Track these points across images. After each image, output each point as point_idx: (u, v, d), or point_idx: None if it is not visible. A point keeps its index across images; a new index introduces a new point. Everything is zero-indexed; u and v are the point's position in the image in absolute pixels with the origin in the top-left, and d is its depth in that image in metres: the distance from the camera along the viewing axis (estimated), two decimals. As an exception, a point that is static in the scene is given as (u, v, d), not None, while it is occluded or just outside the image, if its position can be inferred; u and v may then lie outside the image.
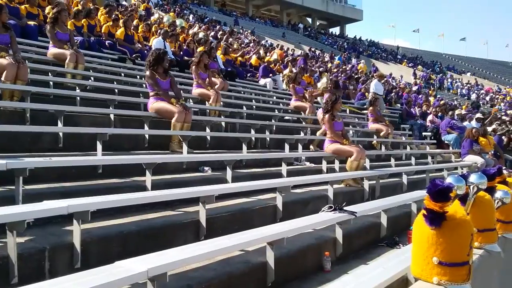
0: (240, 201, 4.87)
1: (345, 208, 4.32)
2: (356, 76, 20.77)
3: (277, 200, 4.86)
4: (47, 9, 10.14)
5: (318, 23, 56.38)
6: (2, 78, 5.63)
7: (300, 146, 7.59)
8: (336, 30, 56.36)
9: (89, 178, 4.52)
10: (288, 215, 4.77)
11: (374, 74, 19.14)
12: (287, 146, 7.27)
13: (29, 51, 7.87)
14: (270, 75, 13.89)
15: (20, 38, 7.90)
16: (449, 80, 41.20)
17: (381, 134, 10.84)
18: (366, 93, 14.91)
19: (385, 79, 22.90)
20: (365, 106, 14.07)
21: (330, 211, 4.28)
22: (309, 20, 56.15)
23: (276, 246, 3.41)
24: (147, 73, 6.27)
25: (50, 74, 6.99)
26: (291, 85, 10.72)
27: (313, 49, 31.55)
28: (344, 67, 24.67)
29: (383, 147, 10.32)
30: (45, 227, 3.25)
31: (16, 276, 2.65)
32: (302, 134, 8.72)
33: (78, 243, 3.02)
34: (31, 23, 9.04)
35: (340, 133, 7.08)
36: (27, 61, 6.33)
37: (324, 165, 6.94)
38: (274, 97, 12.55)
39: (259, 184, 4.80)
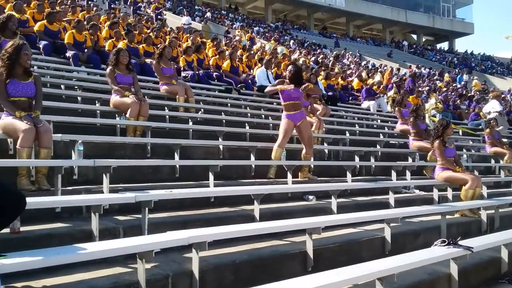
0: (346, 231, 4.85)
1: (460, 242, 4.09)
2: (469, 94, 19.47)
3: (385, 231, 4.75)
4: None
5: (424, 39, 53.98)
6: (127, 115, 6.30)
7: (408, 173, 7.31)
8: (444, 46, 53.46)
9: (203, 207, 4.84)
10: (397, 247, 4.65)
11: (490, 93, 17.70)
12: (394, 173, 7.05)
13: (146, 87, 8.68)
14: (374, 97, 13.62)
15: (140, 76, 8.77)
16: None
17: (505, 158, 9.99)
18: (481, 113, 13.90)
19: (503, 95, 21.16)
20: (480, 127, 13.14)
21: (444, 245, 4.08)
22: (414, 36, 54.06)
23: (386, 282, 3.34)
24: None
25: (166, 109, 7.65)
26: (396, 108, 10.41)
27: (419, 66, 30.27)
28: (454, 84, 23.29)
29: (502, 173, 9.50)
30: (168, 254, 3.53)
31: (144, 300, 2.94)
32: (410, 160, 8.37)
33: (196, 271, 3.27)
34: (148, 61, 10.00)
35: (452, 159, 6.71)
36: (146, 97, 7.02)
37: (435, 194, 6.59)
38: (378, 121, 12.27)
39: (366, 216, 4.74)
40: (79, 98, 7.22)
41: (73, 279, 2.96)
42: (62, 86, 7.65)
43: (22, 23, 8.62)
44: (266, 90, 6.96)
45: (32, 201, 3.12)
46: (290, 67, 6.69)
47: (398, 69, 25.85)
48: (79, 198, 3.90)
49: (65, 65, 8.66)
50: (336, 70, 16.22)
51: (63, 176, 4.18)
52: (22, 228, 3.31)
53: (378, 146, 8.86)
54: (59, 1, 13.34)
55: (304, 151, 6.64)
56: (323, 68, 15.11)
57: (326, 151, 8.00)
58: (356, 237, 4.75)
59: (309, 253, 3.99)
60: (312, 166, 6.87)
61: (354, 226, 4.99)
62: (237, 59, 11.88)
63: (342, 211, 5.29)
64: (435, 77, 25.58)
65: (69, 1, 14.81)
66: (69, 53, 8.76)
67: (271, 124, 8.60)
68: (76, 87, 7.75)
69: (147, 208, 3.74)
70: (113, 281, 3.01)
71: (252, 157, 6.34)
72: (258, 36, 27.17)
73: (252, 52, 15.21)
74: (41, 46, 8.74)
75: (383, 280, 3.30)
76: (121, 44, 9.35)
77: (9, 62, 4.31)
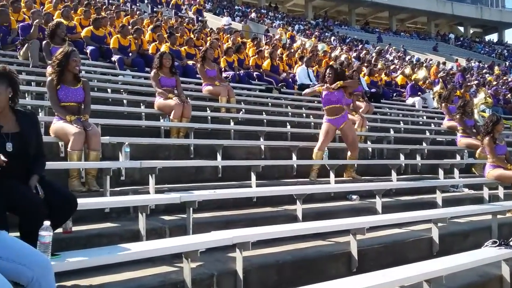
0: (391, 231, 4.75)
1: (512, 243, 3.92)
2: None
3: (432, 231, 4.62)
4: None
5: (471, 31, 51.86)
6: (171, 117, 6.44)
7: (456, 171, 7.06)
8: (493, 37, 51.17)
9: (245, 207, 4.88)
10: (445, 248, 4.52)
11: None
12: (441, 171, 6.83)
13: (188, 88, 8.82)
14: (419, 93, 13.25)
15: (182, 77, 8.91)
16: None
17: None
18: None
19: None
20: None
21: (495, 246, 3.94)
22: (461, 29, 52.05)
23: (434, 284, 3.26)
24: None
25: (208, 110, 7.74)
26: (443, 104, 10.06)
27: (470, 59, 29.09)
28: (505, 78, 22.27)
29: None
30: (212, 253, 3.56)
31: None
32: (458, 157, 8.08)
33: (240, 271, 3.31)
34: (190, 62, 10.18)
35: (503, 157, 6.44)
36: (188, 99, 7.15)
37: (485, 192, 6.32)
38: (424, 117, 11.91)
39: (413, 217, 4.62)
40: (124, 101, 7.44)
41: (123, 277, 3.07)
42: (109, 90, 7.91)
43: (69, 30, 8.97)
44: (304, 92, 6.87)
45: (83, 202, 3.25)
46: (327, 70, 6.57)
47: (444, 63, 24.98)
48: (127, 199, 4.04)
49: (111, 69, 8.95)
50: (379, 66, 15.89)
51: (111, 177, 4.33)
52: (74, 228, 3.46)
53: (424, 144, 8.60)
54: (104, 7, 13.83)
55: (349, 153, 6.55)
56: (365, 64, 14.84)
57: (370, 149, 7.86)
58: (402, 237, 4.65)
59: (354, 253, 3.95)
60: (355, 165, 6.77)
61: (400, 226, 4.89)
62: (277, 58, 11.87)
63: (387, 210, 5.18)
64: (484, 71, 24.54)
65: (114, 6, 15.34)
66: (114, 58, 9.04)
67: (312, 123, 8.54)
68: (121, 90, 7.99)
69: (191, 208, 3.81)
70: (160, 279, 3.10)
71: (294, 157, 6.31)
72: (298, 34, 27.02)
73: (292, 50, 15.15)
74: (88, 51, 9.08)
75: (431, 282, 3.23)
76: (164, 47, 9.57)
77: (59, 68, 4.51)
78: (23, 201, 2.72)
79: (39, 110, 5.76)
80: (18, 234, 2.72)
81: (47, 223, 2.48)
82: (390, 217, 4.59)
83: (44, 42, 7.39)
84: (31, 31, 7.93)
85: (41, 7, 11.56)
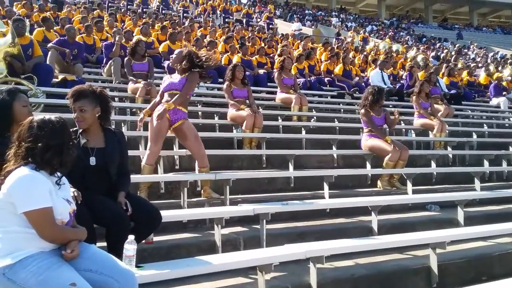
0: (475, 245, 4.48)
1: None
2: None
3: (522, 245, 4.31)
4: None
5: None
6: (243, 127, 6.57)
7: (548, 178, 6.53)
8: None
9: (318, 218, 4.84)
10: (537, 264, 4.19)
11: None
12: (531, 179, 6.35)
13: (260, 98, 8.93)
14: (504, 93, 12.37)
15: (253, 87, 9.04)
16: None
17: None
18: None
19: None
20: None
21: None
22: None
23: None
24: (362, 111, 6.41)
25: (279, 118, 7.78)
26: (531, 105, 9.35)
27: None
28: None
29: None
30: (286, 266, 3.55)
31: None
32: (550, 163, 7.46)
33: (314, 284, 3.31)
34: (261, 71, 10.32)
35: None
36: (260, 108, 7.23)
37: None
38: (511, 119, 11.10)
39: (498, 230, 4.33)
40: (199, 113, 7.67)
41: (200, 287, 3.19)
42: (186, 102, 8.20)
43: (148, 45, 9.46)
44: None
45: (163, 215, 3.42)
46: (370, 89, 6.49)
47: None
48: (203, 211, 4.19)
49: (188, 82, 9.24)
50: (460, 65, 15.07)
51: (188, 188, 4.51)
52: (155, 239, 3.65)
53: (511, 148, 8.02)
54: (177, 21, 14.44)
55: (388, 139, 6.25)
56: (444, 64, 14.12)
57: (450, 155, 7.47)
58: (486, 251, 4.38)
59: (433, 268, 3.79)
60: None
61: (484, 239, 4.60)
62: (349, 62, 11.67)
63: (470, 222, 4.92)
64: None
65: (188, 20, 15.97)
66: (190, 70, 9.37)
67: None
68: (196, 102, 8.26)
69: (264, 220, 3.87)
70: (237, 291, 3.18)
71: (368, 165, 6.17)
72: (371, 35, 26.33)
73: (365, 53, 14.81)
74: (165, 65, 9.52)
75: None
76: (236, 58, 9.78)
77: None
78: (109, 215, 2.92)
79: (122, 125, 6.12)
80: (105, 244, 2.93)
81: (131, 237, 2.64)
82: (473, 230, 4.32)
83: (125, 59, 7.85)
84: (113, 49, 8.46)
85: (122, 24, 12.34)
